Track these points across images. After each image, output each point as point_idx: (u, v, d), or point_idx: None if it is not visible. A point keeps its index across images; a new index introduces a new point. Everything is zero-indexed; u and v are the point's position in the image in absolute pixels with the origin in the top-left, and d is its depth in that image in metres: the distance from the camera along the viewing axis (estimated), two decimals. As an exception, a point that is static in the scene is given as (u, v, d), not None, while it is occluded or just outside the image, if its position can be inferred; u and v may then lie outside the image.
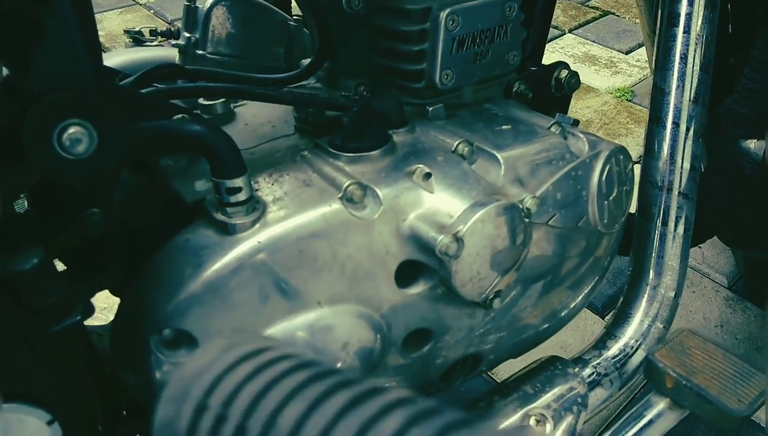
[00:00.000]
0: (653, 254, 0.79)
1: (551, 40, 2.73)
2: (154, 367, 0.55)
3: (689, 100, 0.76)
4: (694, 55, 0.75)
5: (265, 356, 0.34)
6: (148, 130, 0.51)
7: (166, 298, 0.53)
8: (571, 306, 0.75)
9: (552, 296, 0.71)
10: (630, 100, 2.34)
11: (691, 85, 0.76)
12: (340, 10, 0.68)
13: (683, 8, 0.75)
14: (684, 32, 0.75)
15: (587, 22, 2.88)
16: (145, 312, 0.55)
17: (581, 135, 0.67)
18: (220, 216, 0.54)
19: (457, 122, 0.67)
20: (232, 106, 0.70)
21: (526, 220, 0.59)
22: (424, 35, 0.65)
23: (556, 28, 2.81)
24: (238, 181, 0.53)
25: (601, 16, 2.93)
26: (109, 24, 2.86)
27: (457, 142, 0.61)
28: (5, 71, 0.43)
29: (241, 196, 0.53)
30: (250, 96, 0.62)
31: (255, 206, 0.55)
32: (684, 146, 0.76)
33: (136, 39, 0.88)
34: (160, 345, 0.55)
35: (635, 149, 2.16)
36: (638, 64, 2.55)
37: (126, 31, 0.88)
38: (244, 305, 0.54)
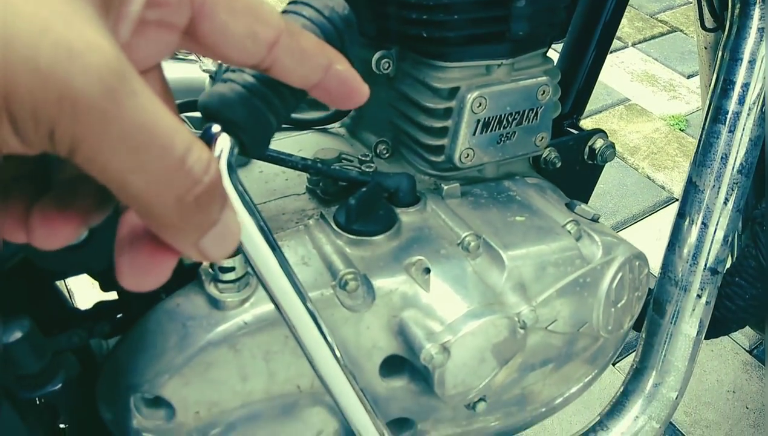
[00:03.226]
0: (661, 352, 0.76)
1: (612, 51, 2.63)
2: (131, 422, 0.56)
3: (722, 202, 0.72)
4: (736, 157, 0.71)
5: None
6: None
7: (148, 363, 0.54)
8: (566, 396, 0.74)
9: (545, 388, 0.70)
10: (683, 130, 2.24)
11: (727, 188, 0.72)
12: (369, 68, 0.66)
13: (731, 106, 0.70)
14: (729, 131, 0.71)
15: (653, 37, 2.75)
16: (128, 370, 0.55)
17: (597, 236, 0.64)
18: (212, 289, 0.54)
19: (471, 205, 0.65)
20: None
21: (521, 330, 0.57)
22: (448, 113, 0.63)
23: (619, 39, 2.70)
24: (232, 262, 0.52)
25: (668, 32, 2.80)
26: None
27: (465, 235, 0.59)
28: None
29: (234, 275, 0.53)
30: (265, 158, 0.62)
31: (248, 282, 0.54)
32: (710, 249, 0.73)
33: (171, 52, 0.87)
34: (140, 403, 0.56)
35: (679, 184, 2.08)
36: (698, 91, 2.44)
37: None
38: (223, 382, 0.54)
